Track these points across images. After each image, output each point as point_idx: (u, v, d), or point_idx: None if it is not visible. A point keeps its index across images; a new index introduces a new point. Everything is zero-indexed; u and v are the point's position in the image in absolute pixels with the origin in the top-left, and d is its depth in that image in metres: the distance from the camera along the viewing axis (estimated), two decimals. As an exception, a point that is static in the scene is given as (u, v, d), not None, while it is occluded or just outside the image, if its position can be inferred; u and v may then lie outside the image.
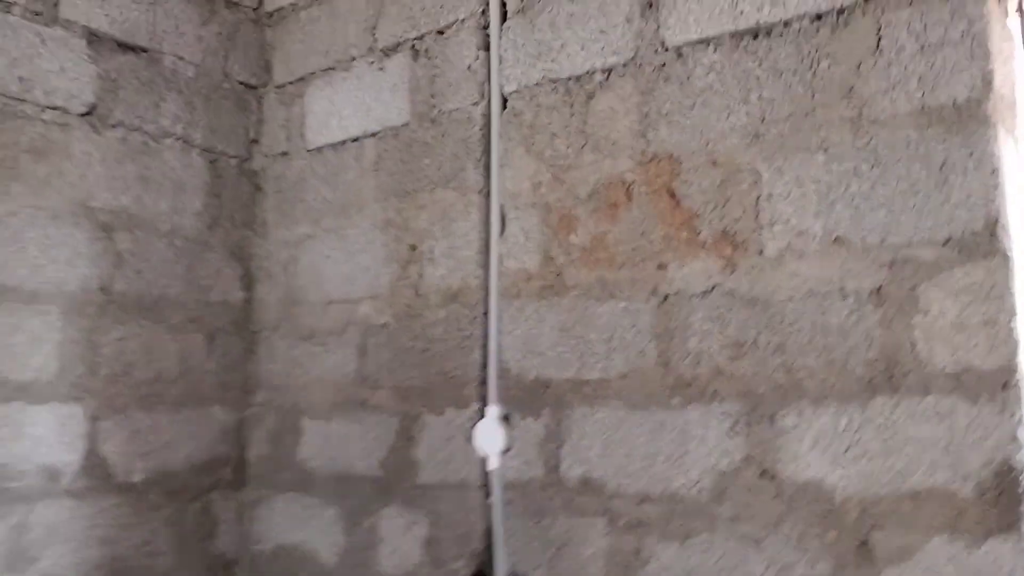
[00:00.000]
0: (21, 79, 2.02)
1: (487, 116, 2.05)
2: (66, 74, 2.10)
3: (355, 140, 2.30)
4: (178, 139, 2.34)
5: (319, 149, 2.38)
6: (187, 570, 2.23)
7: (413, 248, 2.16)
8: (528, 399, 1.90)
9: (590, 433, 1.81)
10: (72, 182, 2.11)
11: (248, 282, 2.47)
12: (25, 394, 1.98)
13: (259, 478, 2.37)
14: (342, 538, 2.17)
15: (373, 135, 2.26)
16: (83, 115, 2.14)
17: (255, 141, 2.51)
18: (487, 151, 2.04)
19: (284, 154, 2.46)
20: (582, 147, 1.89)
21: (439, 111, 2.14)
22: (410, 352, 2.12)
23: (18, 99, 2.03)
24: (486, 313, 1.99)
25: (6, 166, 2.00)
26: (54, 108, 2.09)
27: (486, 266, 2.01)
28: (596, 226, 1.85)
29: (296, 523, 2.28)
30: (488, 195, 2.03)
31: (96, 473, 2.09)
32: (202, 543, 2.28)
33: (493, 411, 1.93)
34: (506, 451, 1.90)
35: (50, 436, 2.01)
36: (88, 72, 2.15)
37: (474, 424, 1.95)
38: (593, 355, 1.83)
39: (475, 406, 1.99)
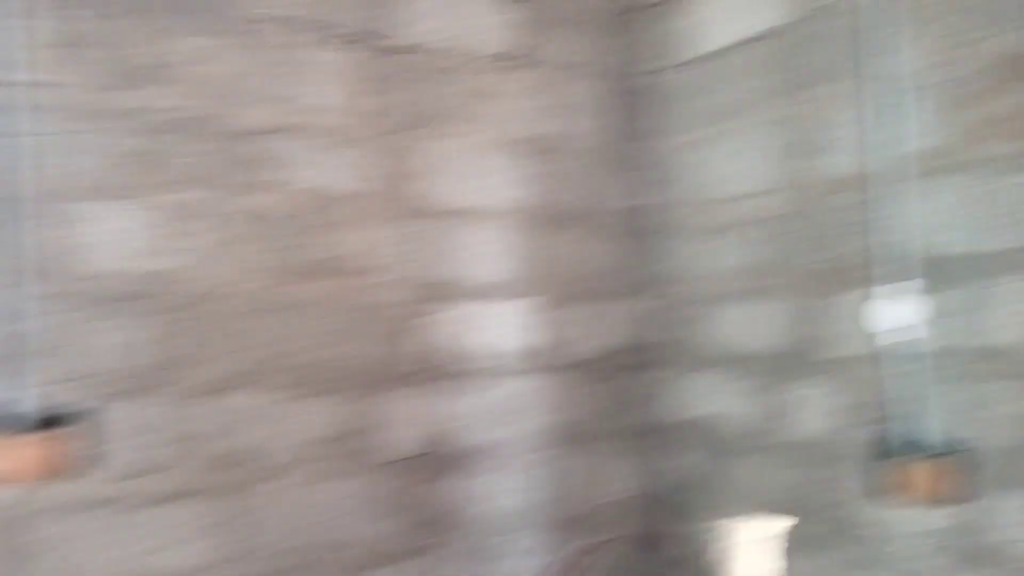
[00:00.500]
0: (457, 37, 2.46)
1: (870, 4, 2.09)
2: (493, 29, 2.52)
3: (736, 46, 2.46)
4: (580, 69, 2.68)
5: (700, 59, 2.58)
6: (620, 434, 2.67)
7: (798, 142, 2.29)
8: (931, 273, 1.98)
9: (998, 302, 1.87)
10: (503, 117, 2.54)
11: (659, 186, 2.74)
12: (488, 294, 2.48)
13: (673, 358, 2.70)
14: (750, 409, 2.44)
15: (753, 39, 2.41)
16: (512, 61, 2.55)
17: (642, 59, 2.76)
18: (872, 39, 2.08)
19: (669, 67, 2.69)
20: (975, 23, 1.89)
21: (818, 5, 2.22)
22: (803, 240, 2.28)
23: (465, 53, 2.47)
24: (877, 197, 2.08)
25: (456, 109, 2.45)
26: (495, 58, 2.52)
27: (877, 150, 2.08)
28: (996, 100, 1.86)
29: (707, 396, 2.59)
30: (875, 81, 2.08)
31: (545, 355, 2.56)
32: (630, 412, 2.70)
33: (890, 288, 2.04)
34: (908, 324, 2.01)
35: (510, 326, 2.51)
36: (508, 23, 2.55)
37: (872, 301, 2.09)
38: (998, 226, 1.87)
39: (872, 285, 2.10)
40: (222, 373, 2.05)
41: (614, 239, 2.69)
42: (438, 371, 2.35)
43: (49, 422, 1.83)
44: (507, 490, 2.43)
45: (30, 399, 1.81)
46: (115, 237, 1.94)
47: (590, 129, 2.67)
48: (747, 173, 2.44)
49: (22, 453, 1.79)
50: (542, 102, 2.58)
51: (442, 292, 2.38)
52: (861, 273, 2.14)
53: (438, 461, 2.33)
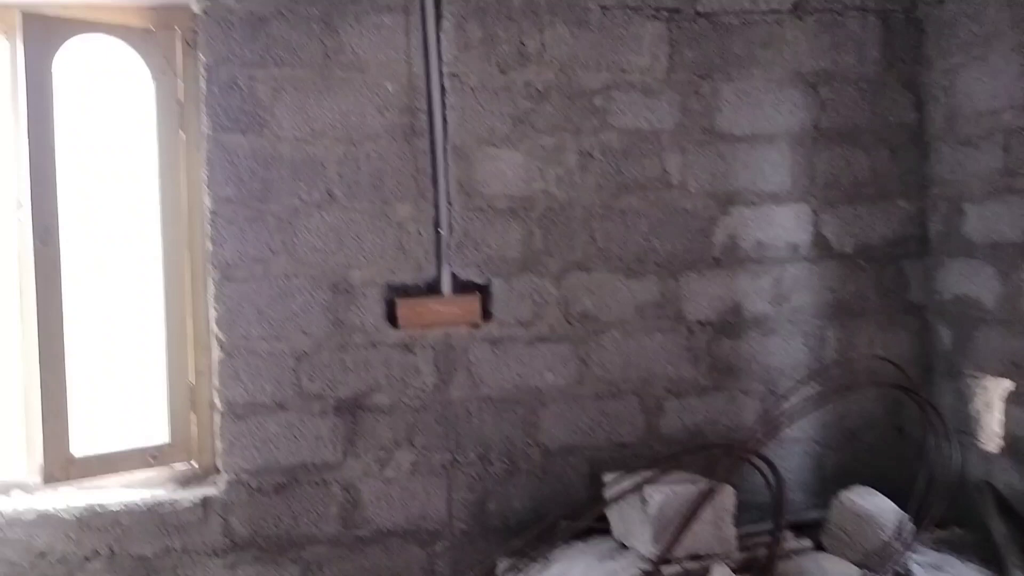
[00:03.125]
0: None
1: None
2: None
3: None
4: (857, 9, 3.22)
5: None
6: (888, 311, 3.28)
7: None
8: None
9: None
10: (788, 58, 3.19)
11: (918, 105, 3.27)
12: (772, 199, 3.20)
13: (937, 248, 3.24)
14: (998, 287, 2.94)
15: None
16: (790, 11, 3.18)
17: None
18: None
19: (940, 1, 3.15)
20: None
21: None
22: None
23: (749, 11, 3.15)
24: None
25: (747, 57, 3.16)
26: (773, 11, 3.17)
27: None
28: None
29: (965, 279, 3.11)
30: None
31: (820, 246, 3.23)
32: (898, 293, 3.29)
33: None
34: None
35: (790, 224, 3.21)
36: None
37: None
38: None
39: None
40: (575, 259, 3.03)
41: (889, 149, 3.23)
42: (732, 259, 3.13)
43: (465, 289, 2.96)
44: (782, 349, 3.17)
45: (451, 276, 2.96)
46: (503, 170, 2.99)
47: (871, 59, 3.20)
48: (1000, 91, 2.87)
49: (451, 308, 2.94)
50: (823, 42, 3.17)
51: (735, 199, 3.13)
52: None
53: (730, 325, 3.13)
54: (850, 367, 3.18)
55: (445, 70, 2.95)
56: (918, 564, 2.62)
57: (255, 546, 2.85)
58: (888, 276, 3.24)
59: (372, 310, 2.92)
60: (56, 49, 2.78)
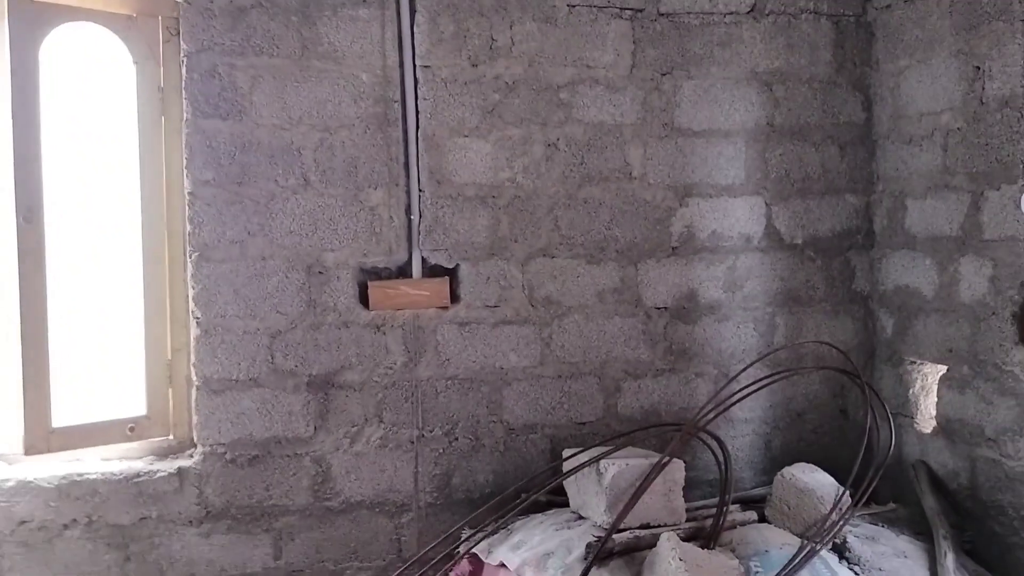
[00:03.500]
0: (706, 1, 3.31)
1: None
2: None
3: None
4: (811, 13, 3.40)
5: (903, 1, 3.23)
6: (834, 299, 3.47)
7: (977, 69, 2.92)
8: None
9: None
10: (744, 58, 3.36)
11: (866, 105, 3.46)
12: (727, 192, 3.37)
13: (881, 240, 3.45)
14: (935, 278, 3.13)
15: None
16: (747, 12, 3.35)
17: (856, 2, 3.41)
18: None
19: (887, 7, 3.33)
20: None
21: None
22: (976, 146, 2.92)
23: (709, 12, 3.32)
24: None
25: (705, 56, 3.32)
26: (731, 12, 3.33)
27: None
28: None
29: (905, 270, 3.31)
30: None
31: (772, 237, 3.41)
32: (844, 283, 3.49)
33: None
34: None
35: (744, 216, 3.38)
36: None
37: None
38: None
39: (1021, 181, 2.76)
40: (539, 245, 3.19)
41: (838, 146, 3.41)
42: (688, 248, 3.30)
43: (434, 273, 3.10)
44: (734, 335, 3.35)
45: (421, 260, 3.10)
46: (473, 160, 3.12)
47: (823, 60, 3.38)
48: (939, 93, 3.07)
49: (420, 291, 3.07)
50: (778, 43, 3.34)
51: (693, 191, 3.30)
52: (1013, 171, 2.76)
53: (685, 311, 3.31)
54: (797, 352, 3.37)
55: (418, 62, 3.08)
56: (855, 536, 2.79)
57: (229, 516, 2.98)
58: (835, 267, 3.43)
59: (345, 291, 3.05)
60: (43, 36, 2.86)
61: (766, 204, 3.36)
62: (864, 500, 2.93)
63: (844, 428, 3.43)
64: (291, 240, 3.01)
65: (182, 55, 2.95)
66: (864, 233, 3.44)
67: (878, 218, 3.41)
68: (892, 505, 3.11)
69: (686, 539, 2.64)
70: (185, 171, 2.96)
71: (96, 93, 3.02)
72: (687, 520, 2.79)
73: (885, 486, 3.17)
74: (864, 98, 3.41)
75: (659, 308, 3.29)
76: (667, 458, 2.77)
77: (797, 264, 3.39)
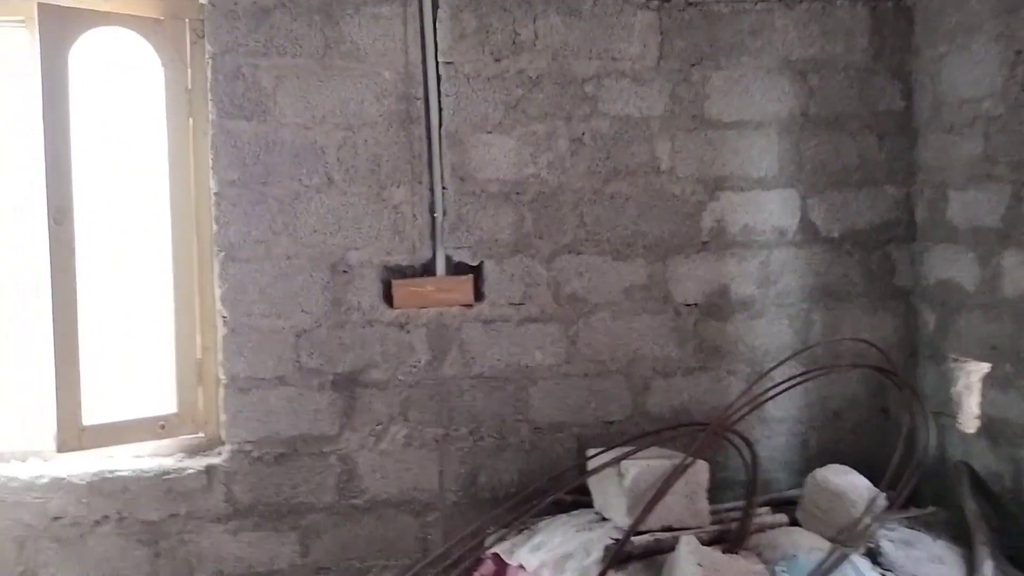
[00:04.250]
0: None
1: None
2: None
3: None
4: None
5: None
6: (873, 295, 3.35)
7: (1018, 53, 2.79)
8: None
9: None
10: (777, 46, 3.26)
11: (906, 93, 3.33)
12: (760, 185, 3.28)
13: (923, 233, 3.31)
14: (977, 272, 3.01)
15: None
16: (781, 0, 3.24)
17: None
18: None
19: None
20: None
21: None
22: (1018, 134, 2.80)
23: (739, 0, 3.22)
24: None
25: (736, 45, 3.23)
26: (764, 0, 3.23)
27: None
28: None
29: (947, 264, 3.18)
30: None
31: (808, 231, 3.31)
32: (884, 277, 3.36)
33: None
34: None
35: (777, 209, 3.29)
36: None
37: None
38: None
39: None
40: (565, 242, 3.14)
41: (877, 136, 3.29)
42: (719, 243, 3.22)
43: (458, 271, 3.07)
44: (768, 332, 3.25)
45: (444, 258, 3.08)
46: (496, 156, 3.09)
47: (860, 47, 3.25)
48: (980, 79, 2.93)
49: (444, 289, 3.05)
50: (812, 30, 3.23)
51: (723, 184, 3.22)
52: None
53: (717, 307, 3.23)
54: (833, 349, 3.26)
55: (441, 59, 3.06)
56: (889, 540, 2.69)
57: (256, 513, 3.00)
58: (874, 261, 3.30)
59: (369, 290, 3.05)
60: (72, 41, 2.91)
61: (801, 197, 3.26)
62: (902, 503, 2.82)
63: (885, 428, 3.30)
64: (315, 239, 3.02)
65: (207, 57, 2.98)
66: (904, 225, 3.31)
67: (919, 210, 3.28)
68: (931, 508, 2.98)
69: (709, 543, 2.57)
70: (211, 171, 3.00)
71: (125, 96, 3.06)
72: (713, 523, 2.72)
73: (928, 489, 3.06)
74: (903, 86, 3.28)
75: (689, 305, 3.21)
76: (689, 459, 2.71)
77: (834, 258, 3.28)
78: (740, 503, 2.83)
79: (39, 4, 2.90)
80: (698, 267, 3.21)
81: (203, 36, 3.02)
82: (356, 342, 3.04)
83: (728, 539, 2.63)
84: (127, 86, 3.08)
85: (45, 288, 2.92)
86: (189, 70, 3.08)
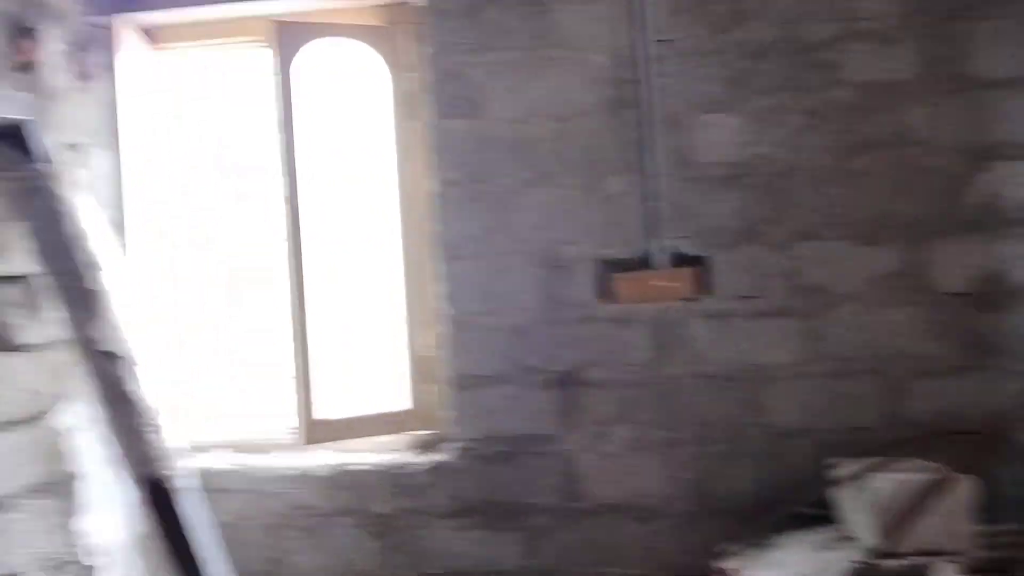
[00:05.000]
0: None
1: None
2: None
3: None
4: None
5: None
6: None
7: None
8: None
9: None
10: None
11: None
12: None
13: None
14: None
15: None
16: None
17: None
18: None
19: None
20: None
21: None
22: None
23: None
24: None
25: None
26: None
27: None
28: None
29: None
30: None
31: None
32: None
33: None
34: None
35: None
36: None
37: None
38: None
39: None
40: (800, 227, 2.83)
41: None
42: (990, 221, 2.74)
43: (679, 263, 2.86)
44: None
45: (665, 249, 2.88)
46: (719, 137, 2.85)
47: None
48: None
49: (667, 282, 2.86)
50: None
51: (993, 153, 2.75)
52: None
53: (989, 297, 2.75)
54: None
55: (655, 37, 2.86)
56: None
57: (480, 511, 2.99)
58: None
59: (586, 285, 2.93)
60: (297, 51, 3.07)
61: (1096, 161, 2.71)
62: None
63: None
64: (530, 234, 2.95)
65: (426, 59, 3.01)
66: None
67: None
68: None
69: (974, 571, 2.20)
70: (431, 171, 3.03)
71: (350, 102, 3.18)
72: (978, 548, 2.32)
73: None
74: None
75: (953, 294, 2.78)
76: (952, 473, 2.32)
77: None
78: (1014, 526, 2.40)
79: (275, 22, 3.09)
80: (963, 250, 2.76)
81: (422, 39, 3.07)
82: (573, 339, 2.93)
83: (996, 568, 2.23)
84: (353, 92, 3.19)
85: (284, 289, 3.11)
86: (411, 74, 3.13)
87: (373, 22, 3.17)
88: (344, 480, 3.05)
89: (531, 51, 2.93)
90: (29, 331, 2.52)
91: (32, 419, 2.53)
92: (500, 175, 2.96)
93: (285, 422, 3.22)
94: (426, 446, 3.14)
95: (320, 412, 3.08)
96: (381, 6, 3.16)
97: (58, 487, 2.62)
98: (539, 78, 2.93)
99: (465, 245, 2.99)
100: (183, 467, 2.41)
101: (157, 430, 2.32)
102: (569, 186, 2.93)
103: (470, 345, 2.99)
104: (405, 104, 3.16)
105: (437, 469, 3.01)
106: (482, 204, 2.97)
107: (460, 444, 3.01)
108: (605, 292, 2.92)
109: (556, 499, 2.97)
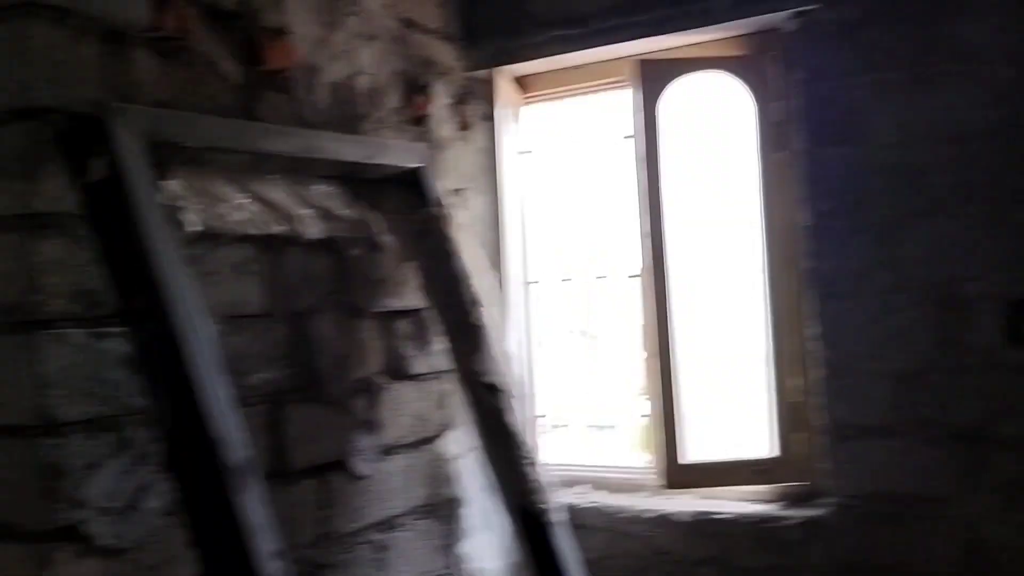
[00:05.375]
0: None
1: None
2: None
3: None
4: None
5: None
6: None
7: None
8: None
9: None
10: None
11: None
12: None
13: None
14: None
15: None
16: None
17: None
18: None
19: None
20: None
21: None
22: None
23: None
24: None
25: None
26: None
27: None
28: None
29: None
30: None
31: None
32: None
33: None
34: None
35: None
36: None
37: None
38: None
39: None
40: None
41: None
42: None
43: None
44: None
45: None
46: None
47: None
48: None
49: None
50: None
51: None
52: None
53: None
54: None
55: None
56: None
57: (859, 574, 2.72)
58: None
59: (990, 327, 2.56)
60: (661, 88, 3.05)
61: None
62: None
63: None
64: (918, 271, 2.64)
65: (794, 85, 2.85)
66: None
67: None
68: None
69: None
70: (801, 203, 2.84)
71: (711, 135, 3.10)
72: None
73: None
74: None
75: None
76: None
77: None
78: None
79: (639, 61, 3.10)
80: None
81: (788, 66, 2.92)
82: (975, 389, 2.57)
83: None
84: (714, 125, 3.11)
85: (648, 329, 3.07)
86: (777, 101, 2.99)
87: (738, 52, 3.08)
88: (707, 528, 2.92)
89: (918, 68, 2.65)
90: (419, 361, 2.71)
91: (420, 443, 2.70)
92: (883, 205, 2.69)
93: (643, 462, 3.17)
94: (797, 499, 2.91)
95: (682, 455, 2.99)
96: (746, 35, 3.06)
97: (441, 510, 2.77)
98: (926, 97, 2.64)
99: (843, 282, 2.75)
100: (555, 502, 2.44)
101: (533, 463, 2.37)
102: (967, 216, 2.59)
103: (849, 391, 2.74)
104: (771, 134, 3.02)
105: (811, 525, 2.78)
106: (862, 237, 2.72)
107: (837, 500, 2.75)
108: (1015, 336, 2.55)
109: (952, 568, 2.61)
